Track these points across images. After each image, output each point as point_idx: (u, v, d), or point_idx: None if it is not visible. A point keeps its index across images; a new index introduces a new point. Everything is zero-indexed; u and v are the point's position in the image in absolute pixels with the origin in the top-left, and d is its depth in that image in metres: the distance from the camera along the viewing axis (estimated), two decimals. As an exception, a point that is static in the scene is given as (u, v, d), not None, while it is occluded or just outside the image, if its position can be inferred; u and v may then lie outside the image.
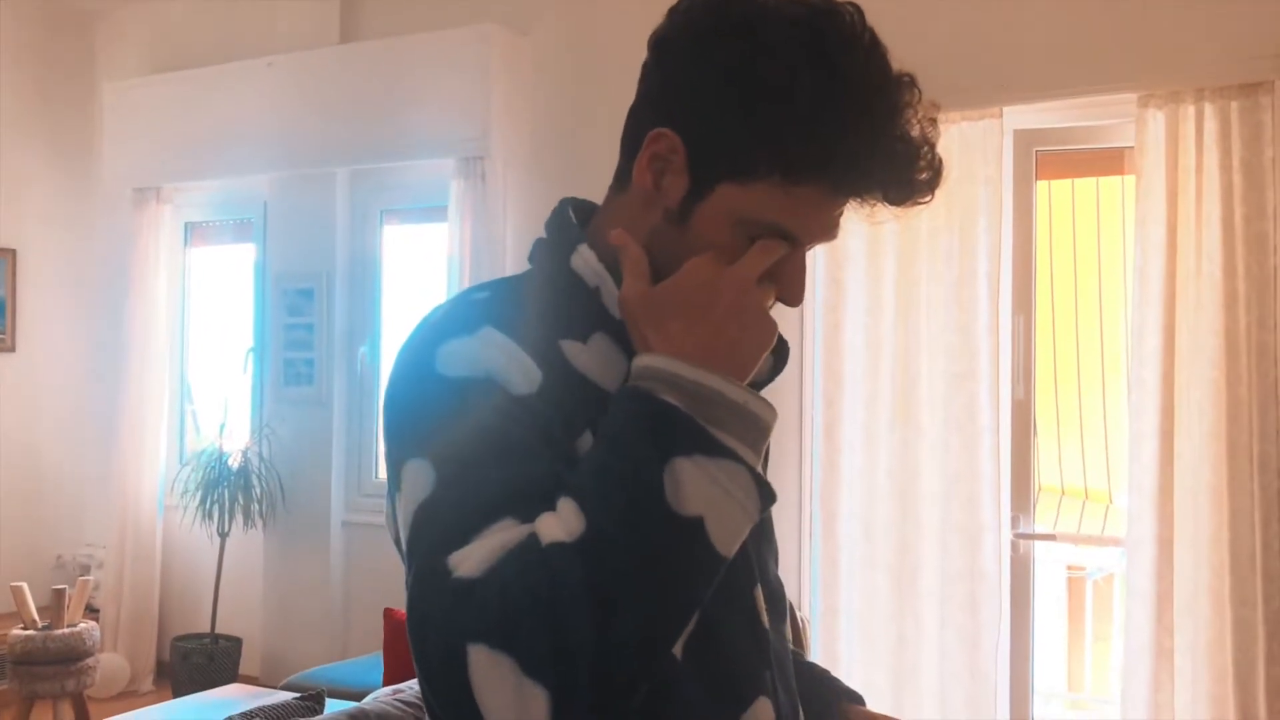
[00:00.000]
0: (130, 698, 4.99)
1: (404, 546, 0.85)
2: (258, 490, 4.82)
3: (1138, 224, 3.38)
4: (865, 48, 0.89)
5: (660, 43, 0.94)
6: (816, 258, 3.84)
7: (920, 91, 0.91)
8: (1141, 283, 3.36)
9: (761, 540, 1.03)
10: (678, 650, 0.87)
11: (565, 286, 0.95)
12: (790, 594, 3.72)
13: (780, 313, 0.94)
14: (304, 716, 2.15)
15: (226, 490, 4.81)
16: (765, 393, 0.91)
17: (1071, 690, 4.78)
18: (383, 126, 4.60)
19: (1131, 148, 3.41)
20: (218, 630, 4.87)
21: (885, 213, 0.93)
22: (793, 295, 0.94)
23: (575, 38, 4.36)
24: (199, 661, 4.72)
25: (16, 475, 5.36)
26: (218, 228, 5.38)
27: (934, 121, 0.91)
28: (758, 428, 0.84)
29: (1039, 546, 3.78)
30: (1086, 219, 4.04)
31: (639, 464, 0.79)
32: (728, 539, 0.81)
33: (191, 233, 5.42)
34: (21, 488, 5.38)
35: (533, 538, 0.77)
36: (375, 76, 4.61)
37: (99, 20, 5.63)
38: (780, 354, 1.00)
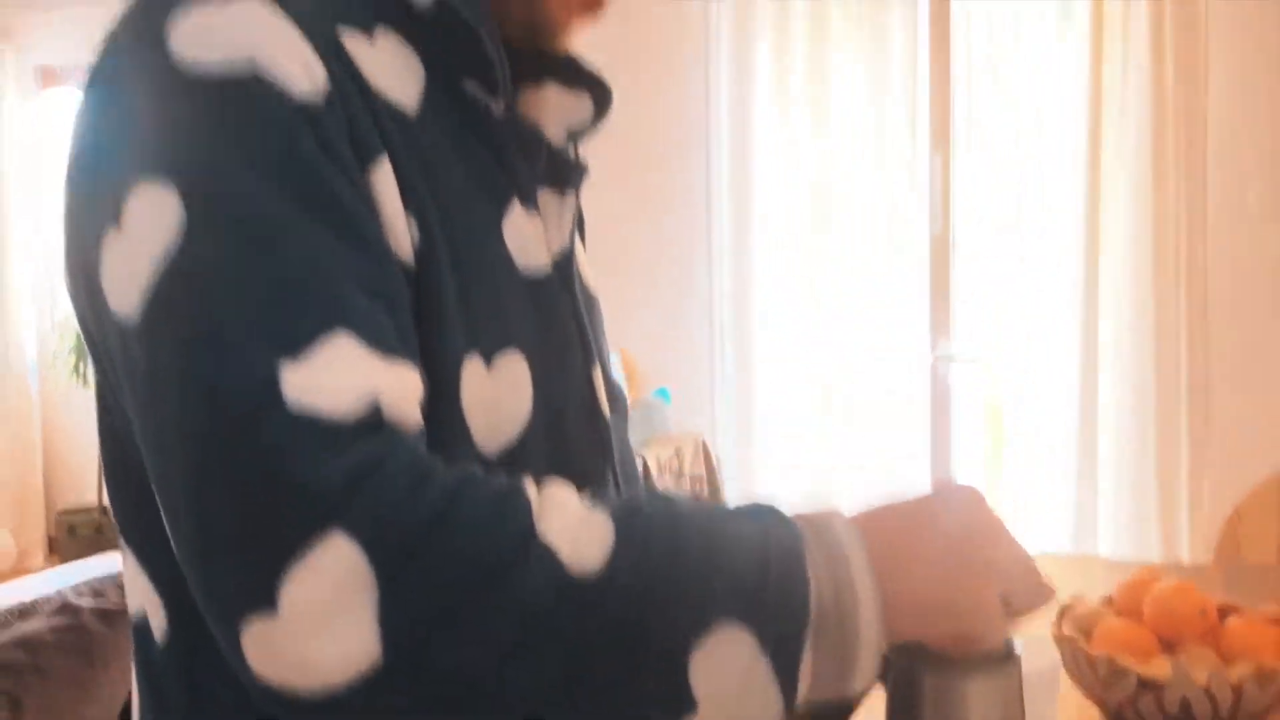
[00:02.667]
0: (20, 575, 4.73)
1: (126, 312, 0.57)
2: (136, 349, 4.50)
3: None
4: None
5: None
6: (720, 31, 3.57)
7: None
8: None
9: (596, 323, 0.80)
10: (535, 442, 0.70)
11: None
12: (701, 410, 3.53)
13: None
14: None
15: (102, 351, 4.48)
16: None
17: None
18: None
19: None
20: (105, 502, 4.60)
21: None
22: None
23: None
24: (87, 534, 4.48)
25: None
26: (75, 69, 4.90)
27: None
28: (838, 685, 0.58)
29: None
30: None
31: (701, 598, 0.56)
32: None
33: (41, 74, 4.93)
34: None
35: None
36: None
37: None
38: (603, 100, 0.77)
